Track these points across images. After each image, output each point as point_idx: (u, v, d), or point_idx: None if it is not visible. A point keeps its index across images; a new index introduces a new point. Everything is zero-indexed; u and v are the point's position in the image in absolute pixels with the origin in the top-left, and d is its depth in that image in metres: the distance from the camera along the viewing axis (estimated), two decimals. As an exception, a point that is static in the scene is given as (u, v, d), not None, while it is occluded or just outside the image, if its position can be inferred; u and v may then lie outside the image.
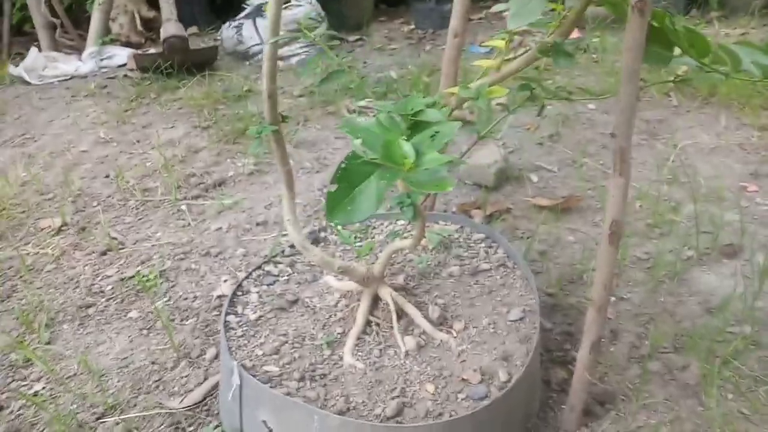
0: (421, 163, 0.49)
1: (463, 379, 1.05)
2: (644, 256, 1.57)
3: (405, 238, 1.20)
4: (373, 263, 1.21)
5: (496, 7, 0.80)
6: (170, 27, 2.83)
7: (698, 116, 2.37)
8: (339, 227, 1.26)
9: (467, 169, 1.95)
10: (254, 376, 1.06)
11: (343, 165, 0.55)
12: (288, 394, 1.03)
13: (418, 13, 3.80)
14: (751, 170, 1.95)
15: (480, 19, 4.07)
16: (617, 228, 0.95)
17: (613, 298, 1.42)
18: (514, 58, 1.01)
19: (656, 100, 2.49)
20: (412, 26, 3.81)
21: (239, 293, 1.28)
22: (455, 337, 1.14)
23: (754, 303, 1.35)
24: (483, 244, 1.39)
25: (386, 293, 1.17)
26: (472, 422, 0.97)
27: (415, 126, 0.55)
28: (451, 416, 0.97)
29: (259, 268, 1.34)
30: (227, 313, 1.21)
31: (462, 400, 1.01)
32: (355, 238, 1.41)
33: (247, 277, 1.31)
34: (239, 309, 1.24)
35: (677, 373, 1.21)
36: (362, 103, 2.66)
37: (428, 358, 1.10)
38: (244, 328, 1.19)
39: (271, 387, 1.04)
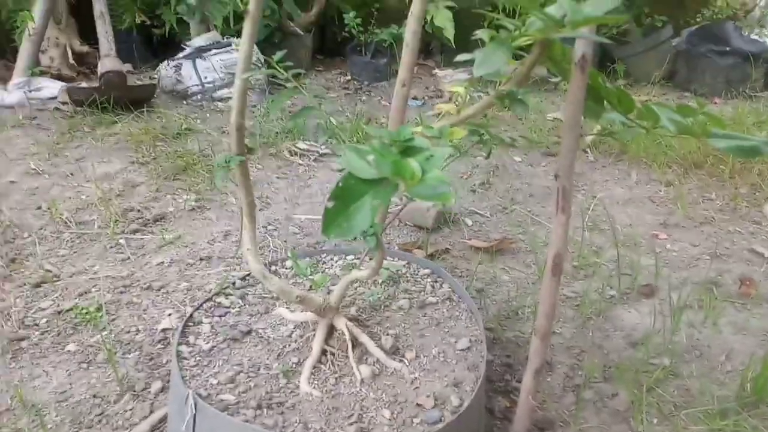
0: (426, 180, 0.55)
1: (417, 405, 1.09)
2: (572, 294, 1.69)
3: (361, 269, 1.25)
4: (328, 293, 1.25)
5: (460, 57, 0.89)
6: (108, 62, 2.81)
7: (612, 171, 2.60)
8: (296, 260, 1.30)
9: (408, 212, 2.04)
10: (210, 404, 1.06)
11: (339, 184, 0.60)
12: (246, 422, 1.04)
13: (354, 65, 3.96)
14: (661, 220, 2.16)
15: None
16: (559, 260, 1.05)
17: (547, 333, 1.52)
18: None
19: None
20: (348, 77, 3.96)
21: (190, 324, 1.27)
22: (408, 366, 1.19)
23: (672, 337, 1.49)
24: (429, 279, 1.46)
25: (341, 323, 1.21)
26: (428, 444, 1.01)
27: (406, 152, 0.62)
28: (407, 440, 1.01)
29: (209, 299, 1.35)
30: (179, 343, 1.21)
31: (417, 424, 1.06)
32: (307, 270, 1.45)
33: (197, 309, 1.31)
34: (191, 339, 1.23)
35: (608, 401, 1.31)
36: (303, 145, 2.73)
37: (383, 385, 1.14)
38: (197, 358, 1.18)
39: (228, 415, 1.04)
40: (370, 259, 1.39)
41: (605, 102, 1.13)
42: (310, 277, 1.35)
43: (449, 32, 3.67)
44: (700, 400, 1.30)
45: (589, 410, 1.28)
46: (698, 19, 4.15)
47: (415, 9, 1.41)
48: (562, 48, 0.95)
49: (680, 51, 3.88)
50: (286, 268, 1.48)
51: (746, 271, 1.82)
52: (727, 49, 3.68)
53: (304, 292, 1.18)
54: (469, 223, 2.09)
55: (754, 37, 3.88)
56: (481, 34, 0.81)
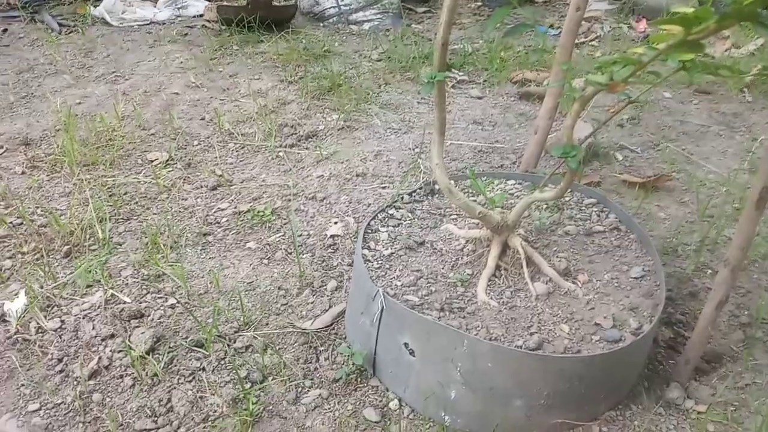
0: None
1: (595, 323, 1.13)
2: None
3: (543, 191, 1.27)
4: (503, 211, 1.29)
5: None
6: (256, -19, 2.89)
7: (773, 113, 2.42)
8: (475, 179, 1.34)
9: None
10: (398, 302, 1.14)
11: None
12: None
13: (485, -10, 3.83)
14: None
15: (545, 2, 4.09)
16: (765, 194, 1.02)
17: (709, 271, 1.50)
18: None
19: (731, 95, 2.54)
20: (479, 3, 3.85)
21: (369, 231, 1.36)
22: (581, 287, 1.22)
23: None
24: (595, 209, 1.46)
25: (516, 242, 1.25)
26: (609, 360, 1.05)
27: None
28: (589, 354, 1.05)
29: (383, 210, 1.43)
30: (361, 247, 1.30)
31: (596, 341, 1.10)
32: (466, 193, 1.49)
33: (373, 218, 1.40)
34: (371, 245, 1.32)
35: (779, 341, 1.29)
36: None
37: (558, 303, 1.18)
38: (380, 262, 1.27)
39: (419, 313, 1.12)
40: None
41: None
42: (489, 195, 1.39)
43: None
44: None
45: (759, 348, 1.27)
46: None
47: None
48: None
49: None
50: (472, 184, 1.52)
51: None
52: None
53: (485, 209, 1.23)
54: (620, 157, 2.04)
55: None
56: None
